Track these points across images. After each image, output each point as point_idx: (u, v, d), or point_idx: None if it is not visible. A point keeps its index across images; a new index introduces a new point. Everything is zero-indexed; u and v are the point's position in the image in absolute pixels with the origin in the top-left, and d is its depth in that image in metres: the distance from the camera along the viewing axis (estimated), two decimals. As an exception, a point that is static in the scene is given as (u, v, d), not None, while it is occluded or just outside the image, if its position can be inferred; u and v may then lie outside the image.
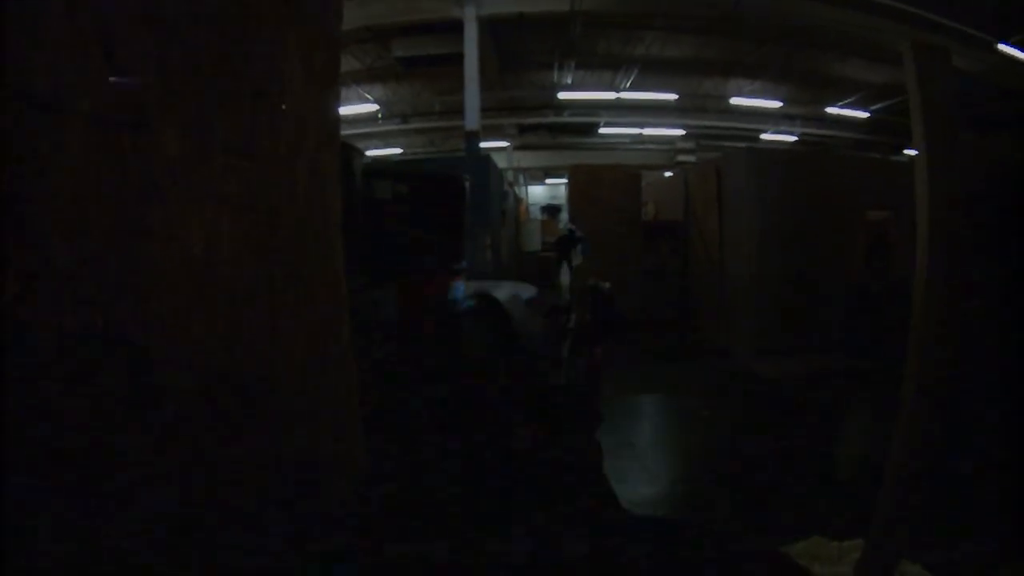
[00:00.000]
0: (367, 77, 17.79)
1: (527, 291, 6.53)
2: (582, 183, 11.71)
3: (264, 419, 1.58)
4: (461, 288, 3.63)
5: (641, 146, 25.44)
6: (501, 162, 18.74)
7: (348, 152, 3.14)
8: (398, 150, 23.44)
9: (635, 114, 21.28)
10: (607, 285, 4.91)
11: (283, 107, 1.71)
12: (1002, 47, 14.40)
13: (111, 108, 1.30)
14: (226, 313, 1.53)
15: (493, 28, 14.77)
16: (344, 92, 16.94)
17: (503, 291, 3.39)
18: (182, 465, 1.41)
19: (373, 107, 19.82)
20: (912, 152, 17.61)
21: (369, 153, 15.94)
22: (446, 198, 3.62)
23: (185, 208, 1.47)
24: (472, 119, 13.17)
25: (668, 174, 17.05)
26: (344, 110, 17.54)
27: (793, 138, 22.53)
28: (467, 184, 3.74)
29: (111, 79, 1.31)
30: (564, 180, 29.42)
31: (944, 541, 3.11)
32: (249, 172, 1.62)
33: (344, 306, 1.83)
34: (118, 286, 1.34)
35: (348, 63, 15.83)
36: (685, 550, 2.63)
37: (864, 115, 21.21)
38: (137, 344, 1.37)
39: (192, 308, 1.48)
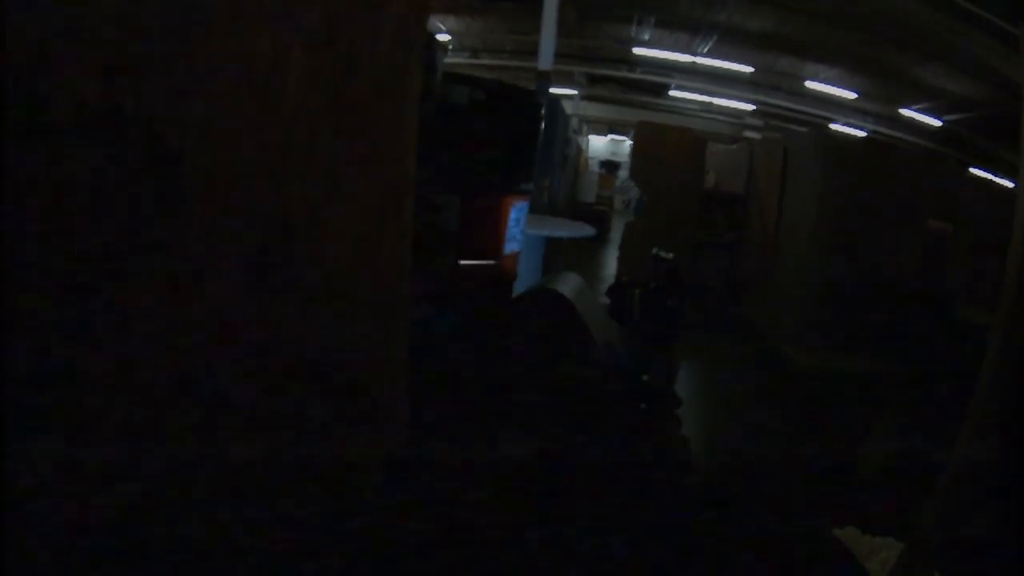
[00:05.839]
0: (442, 7, 17.59)
1: (583, 230, 6.44)
2: (647, 140, 11.55)
3: (302, 283, 1.50)
4: (524, 209, 3.58)
5: (708, 115, 25.03)
6: (567, 109, 18.58)
7: (433, 43, 3.06)
8: (464, 85, 23.24)
9: (707, 81, 20.93)
10: (671, 256, 4.79)
11: None
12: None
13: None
14: (281, 149, 1.41)
15: (578, -28, 14.53)
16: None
17: (568, 284, 3.30)
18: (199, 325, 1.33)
19: (444, 38, 19.67)
20: (980, 172, 17.30)
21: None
22: (522, 115, 3.55)
23: (255, 22, 1.35)
24: (546, 60, 13.00)
25: (733, 147, 16.87)
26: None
27: (862, 133, 22.13)
28: (544, 106, 3.68)
29: None
30: (627, 137, 29.33)
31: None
32: (332, 6, 1.48)
33: (407, 187, 1.71)
34: (164, 77, 1.24)
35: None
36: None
37: (937, 123, 20.70)
38: (171, 145, 1.26)
39: (245, 130, 1.37)
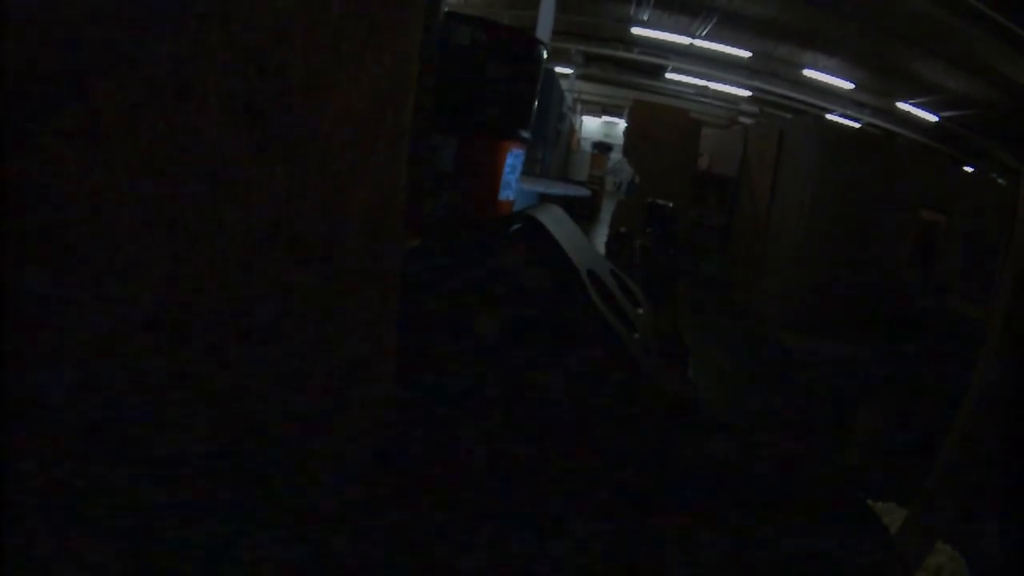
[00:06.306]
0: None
1: (578, 190, 6.35)
2: (641, 119, 11.48)
3: (295, 148, 1.39)
4: (521, 157, 3.46)
5: (704, 99, 24.99)
6: (563, 87, 18.47)
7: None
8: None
9: (705, 65, 20.83)
10: (669, 203, 4.69)
11: None
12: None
13: None
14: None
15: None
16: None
17: (548, 212, 3.16)
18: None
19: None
20: (974, 170, 17.30)
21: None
22: (524, 60, 3.46)
23: None
24: (544, 36, 12.91)
25: (728, 129, 16.81)
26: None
27: (857, 125, 22.12)
28: (545, 52, 3.59)
29: None
30: (621, 119, 29.34)
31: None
32: None
33: (410, 81, 1.61)
34: None
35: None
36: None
37: (933, 119, 20.69)
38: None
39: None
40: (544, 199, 7.08)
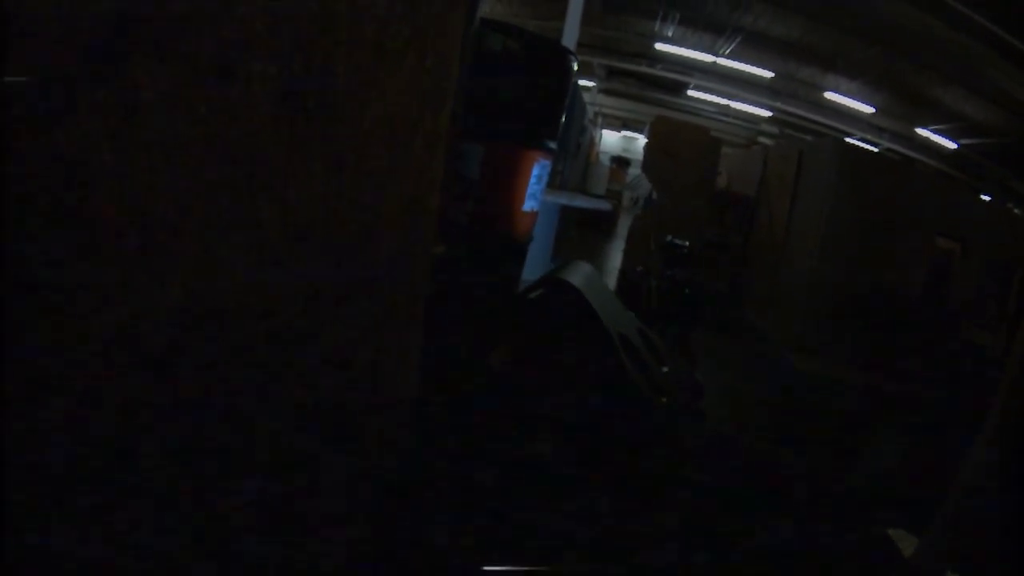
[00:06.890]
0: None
1: (600, 204, 6.31)
2: (662, 135, 11.41)
3: (330, 142, 1.39)
4: (547, 168, 3.44)
5: (725, 118, 24.96)
6: (585, 99, 18.43)
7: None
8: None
9: (727, 84, 20.81)
10: (686, 243, 4.62)
11: None
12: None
13: None
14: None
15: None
16: None
17: (579, 273, 3.15)
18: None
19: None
20: (990, 199, 17.20)
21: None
22: (555, 70, 3.44)
23: None
24: (569, 43, 12.86)
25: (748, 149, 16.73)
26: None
27: (876, 149, 22.05)
28: (575, 65, 3.58)
29: None
30: (640, 134, 29.33)
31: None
32: None
33: (449, 85, 1.59)
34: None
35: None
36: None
37: (952, 146, 20.60)
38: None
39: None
40: (566, 212, 7.05)
